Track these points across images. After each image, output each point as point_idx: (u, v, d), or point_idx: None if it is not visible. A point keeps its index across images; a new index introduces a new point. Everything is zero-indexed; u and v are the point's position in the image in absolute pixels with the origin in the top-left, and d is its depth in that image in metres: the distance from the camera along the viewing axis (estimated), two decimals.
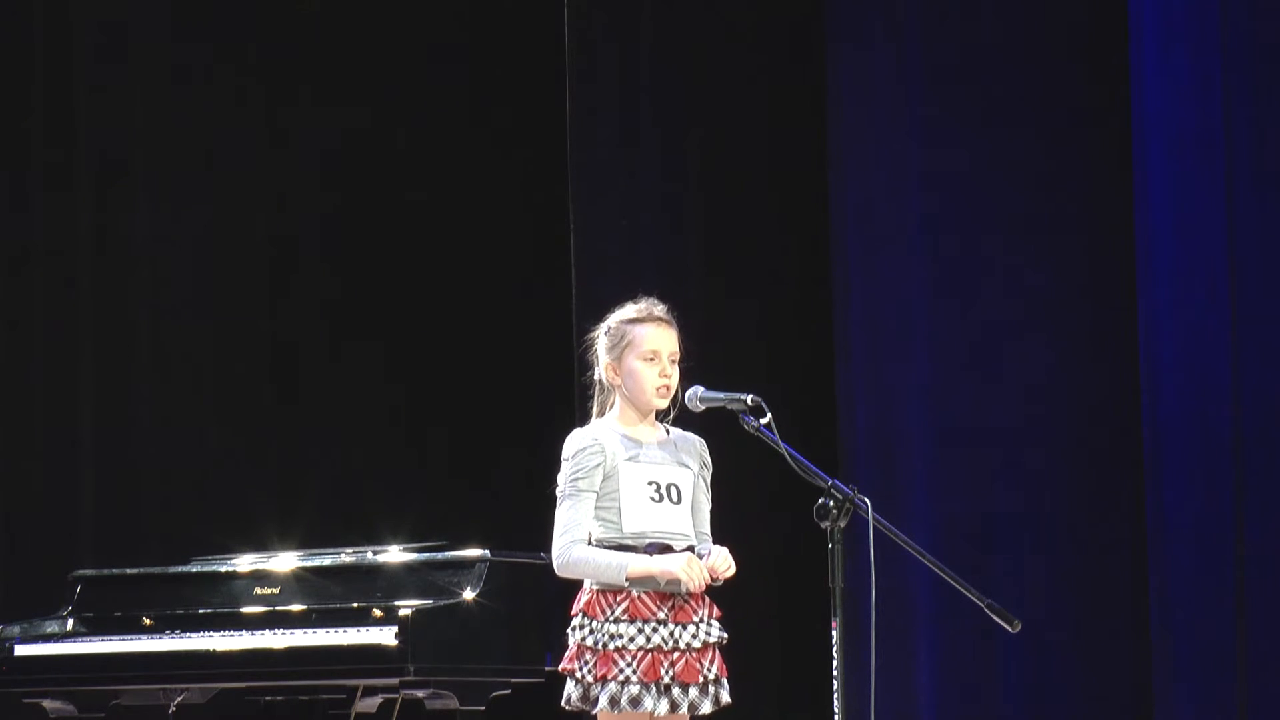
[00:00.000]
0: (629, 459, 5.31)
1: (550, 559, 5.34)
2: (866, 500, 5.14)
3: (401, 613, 6.58)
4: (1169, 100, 7.33)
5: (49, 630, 7.25)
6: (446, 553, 6.93)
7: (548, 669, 6.76)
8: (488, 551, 6.81)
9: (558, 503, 5.33)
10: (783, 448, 5.18)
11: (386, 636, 6.57)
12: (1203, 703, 7.17)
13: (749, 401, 5.26)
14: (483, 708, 6.69)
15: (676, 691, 5.23)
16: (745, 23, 8.33)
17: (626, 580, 5.23)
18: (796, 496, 5.58)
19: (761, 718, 7.59)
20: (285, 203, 8.99)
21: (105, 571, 7.45)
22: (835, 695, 5.06)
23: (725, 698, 5.32)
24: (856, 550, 5.19)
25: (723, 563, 5.28)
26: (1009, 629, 5.22)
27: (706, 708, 5.28)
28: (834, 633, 5.06)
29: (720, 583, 5.30)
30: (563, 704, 5.31)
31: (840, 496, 5.11)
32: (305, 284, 8.97)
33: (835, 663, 5.07)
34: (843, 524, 5.11)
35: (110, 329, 8.83)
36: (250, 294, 8.97)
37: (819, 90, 8.10)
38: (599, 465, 5.30)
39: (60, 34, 8.89)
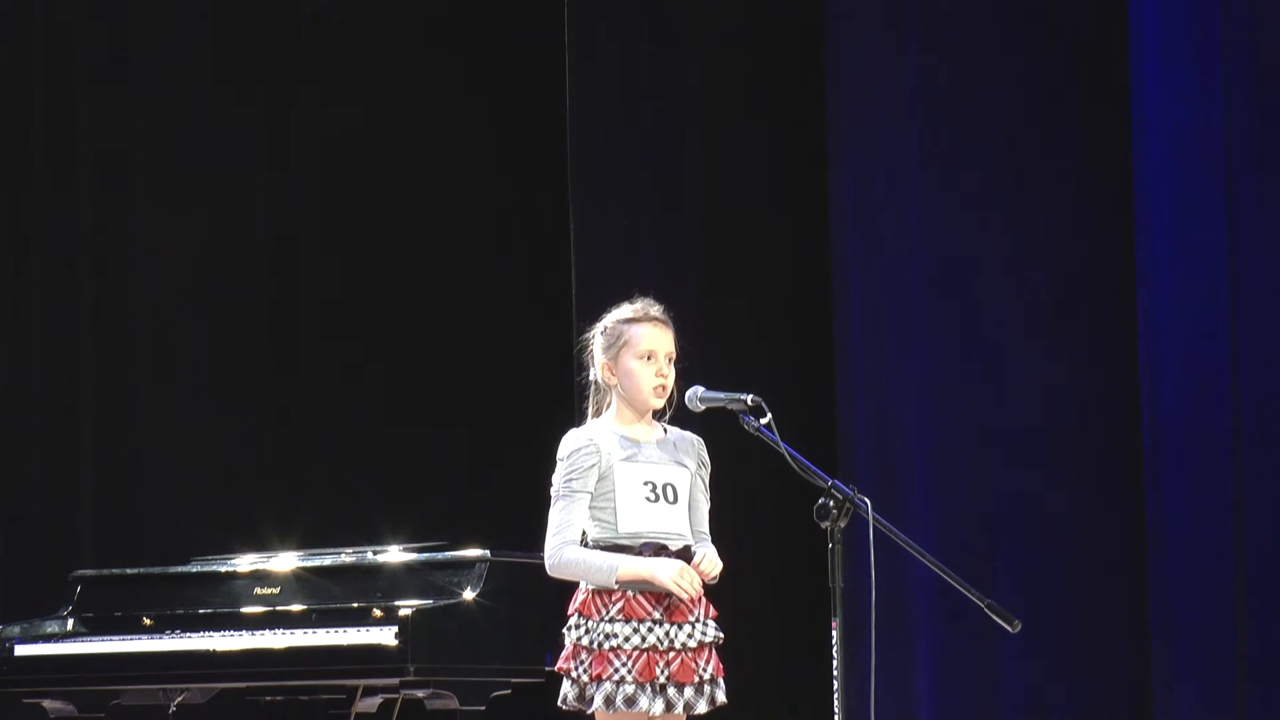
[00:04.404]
0: (625, 459, 5.30)
1: None
2: (866, 500, 5.14)
3: (401, 613, 6.58)
4: (1169, 101, 7.33)
5: (49, 630, 7.25)
6: (446, 553, 6.93)
7: (548, 669, 6.76)
8: (488, 551, 6.80)
9: (551, 503, 5.33)
10: (782, 448, 5.18)
11: (386, 636, 6.56)
12: (1203, 703, 7.17)
13: (749, 401, 5.25)
14: (483, 708, 6.68)
15: (672, 691, 5.23)
16: (745, 22, 8.33)
17: (616, 582, 5.23)
18: (797, 496, 5.58)
19: (761, 718, 7.58)
20: (285, 203, 8.99)
21: (105, 571, 7.45)
22: (835, 695, 5.06)
23: (721, 697, 5.31)
24: (856, 550, 5.19)
25: (709, 565, 5.27)
26: (1009, 629, 5.22)
27: (702, 708, 5.27)
28: (834, 633, 5.06)
29: (715, 580, 5.30)
30: (559, 703, 5.31)
31: (840, 496, 5.11)
32: (305, 284, 8.97)
33: (835, 663, 5.07)
34: (843, 524, 5.10)
35: (110, 329, 8.83)
36: (250, 294, 8.97)
37: (819, 89, 8.10)
38: (594, 466, 5.29)
39: (60, 35, 8.90)
